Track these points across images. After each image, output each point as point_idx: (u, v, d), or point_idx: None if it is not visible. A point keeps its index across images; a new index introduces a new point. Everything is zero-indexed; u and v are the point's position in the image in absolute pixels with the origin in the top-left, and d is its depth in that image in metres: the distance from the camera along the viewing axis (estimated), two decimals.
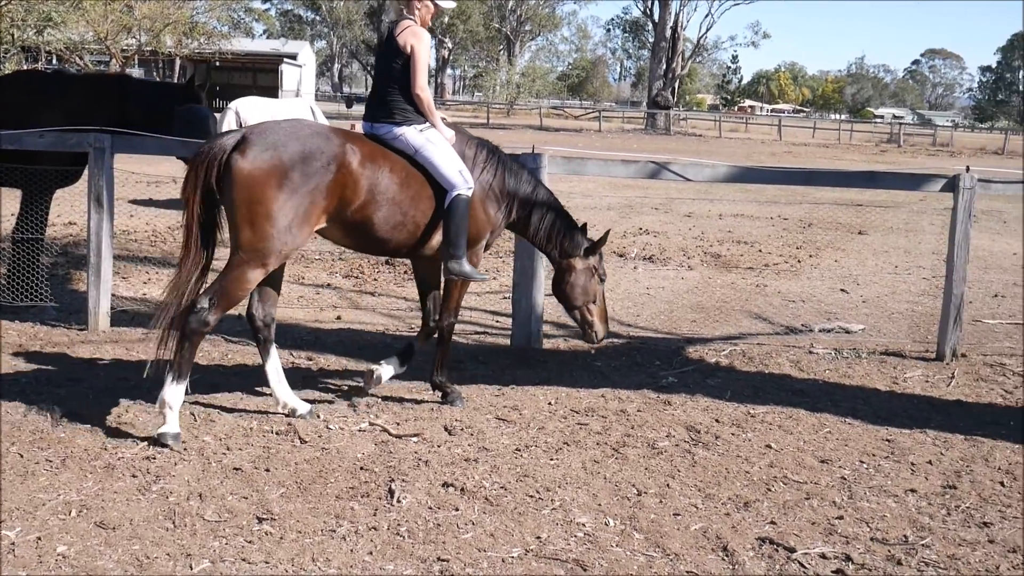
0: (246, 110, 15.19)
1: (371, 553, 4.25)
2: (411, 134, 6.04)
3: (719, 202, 17.71)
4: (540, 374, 7.01)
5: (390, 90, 6.09)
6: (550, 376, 7.09)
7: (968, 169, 8.07)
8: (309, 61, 72.65)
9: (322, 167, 5.55)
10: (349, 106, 67.43)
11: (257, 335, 5.98)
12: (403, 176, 5.94)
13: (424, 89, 6.04)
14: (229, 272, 5.52)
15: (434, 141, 6.07)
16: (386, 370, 6.35)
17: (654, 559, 4.33)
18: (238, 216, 5.46)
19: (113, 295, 8.07)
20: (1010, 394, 7.16)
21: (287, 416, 5.89)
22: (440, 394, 6.41)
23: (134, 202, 14.60)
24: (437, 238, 6.13)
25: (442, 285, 6.45)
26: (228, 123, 15.05)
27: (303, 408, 5.93)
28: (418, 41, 6.03)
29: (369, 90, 6.30)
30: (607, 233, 6.81)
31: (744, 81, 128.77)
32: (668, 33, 62.83)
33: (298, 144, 5.53)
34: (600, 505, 4.86)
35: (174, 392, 5.43)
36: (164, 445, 5.29)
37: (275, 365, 5.97)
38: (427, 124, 6.10)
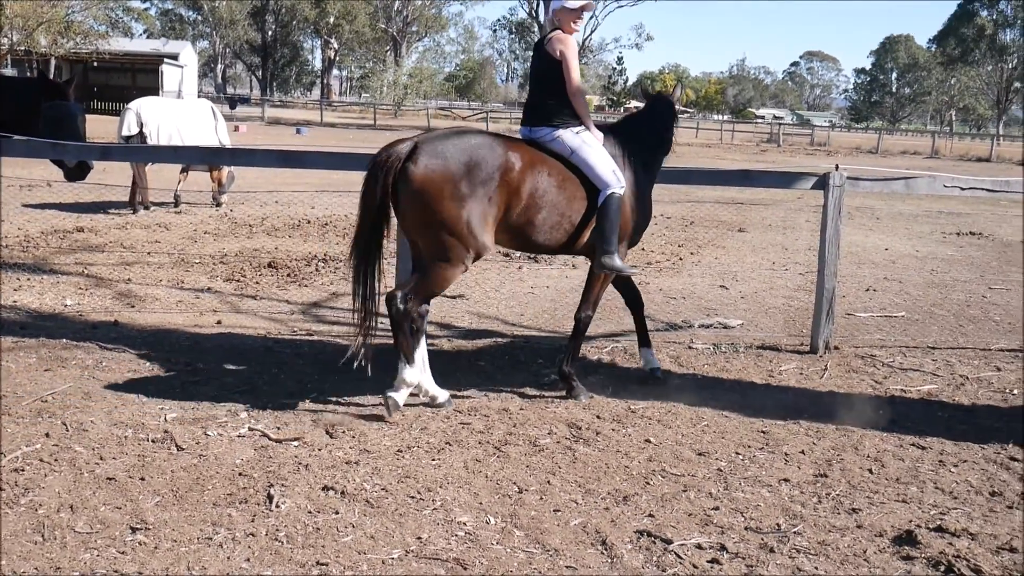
0: (147, 111, 14.81)
1: (248, 560, 4.19)
2: (567, 136, 6.44)
3: None
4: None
5: (546, 96, 6.51)
6: (433, 376, 7.06)
7: (837, 167, 8.33)
8: (191, 62, 71.14)
9: (488, 176, 5.97)
10: (233, 107, 66.34)
11: (409, 324, 6.09)
12: (560, 179, 6.35)
13: (579, 91, 6.41)
14: (426, 272, 6.05)
15: (588, 143, 6.46)
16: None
17: (534, 555, 4.37)
18: (418, 224, 5.97)
19: None
20: (880, 384, 7.41)
21: (428, 405, 6.32)
22: (566, 387, 6.72)
23: (8, 206, 14.10)
24: (588, 236, 6.53)
25: (586, 279, 6.88)
26: (128, 124, 14.64)
27: (442, 396, 6.36)
28: (565, 47, 6.40)
29: (525, 99, 6.86)
30: (679, 82, 7.18)
31: (629, 82, 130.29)
32: None
33: (465, 154, 5.95)
34: (481, 504, 4.88)
35: (412, 373, 6.11)
36: (440, 406, 6.29)
37: (422, 354, 6.28)
38: (582, 127, 6.46)
